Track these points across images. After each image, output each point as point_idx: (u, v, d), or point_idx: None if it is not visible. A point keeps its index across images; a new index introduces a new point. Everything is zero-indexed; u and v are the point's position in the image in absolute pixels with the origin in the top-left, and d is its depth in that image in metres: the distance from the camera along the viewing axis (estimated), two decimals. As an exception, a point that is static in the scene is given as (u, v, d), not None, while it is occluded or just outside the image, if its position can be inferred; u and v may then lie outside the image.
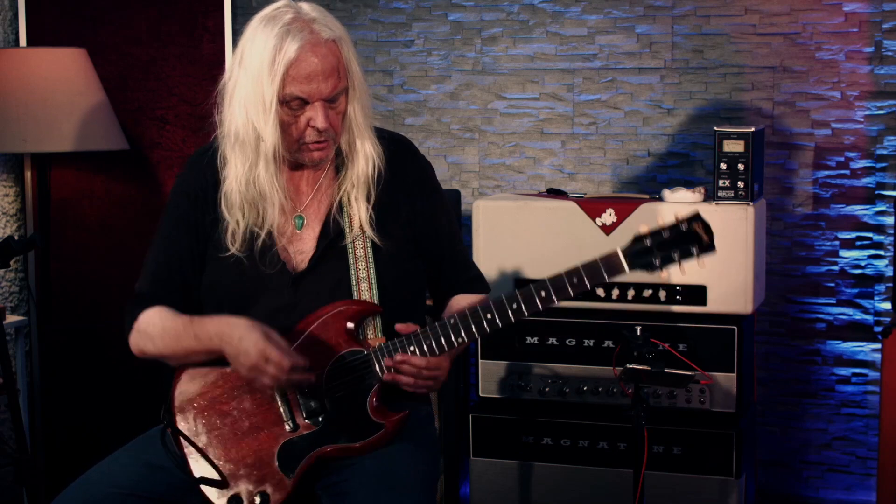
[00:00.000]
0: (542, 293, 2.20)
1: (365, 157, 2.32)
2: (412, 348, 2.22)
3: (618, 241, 3.21)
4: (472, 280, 2.47)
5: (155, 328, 2.31)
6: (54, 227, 4.08)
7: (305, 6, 2.26)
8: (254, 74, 2.21)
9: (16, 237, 3.72)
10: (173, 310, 2.33)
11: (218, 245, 2.33)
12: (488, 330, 2.22)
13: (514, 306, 2.21)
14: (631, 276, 2.23)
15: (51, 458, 4.08)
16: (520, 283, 3.30)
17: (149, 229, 4.00)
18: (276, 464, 2.23)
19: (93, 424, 4.15)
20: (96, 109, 3.77)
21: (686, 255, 2.20)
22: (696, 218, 2.21)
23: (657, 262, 2.20)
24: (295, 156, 2.28)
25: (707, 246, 2.21)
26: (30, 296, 4.11)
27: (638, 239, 2.21)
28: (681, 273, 2.22)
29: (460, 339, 2.22)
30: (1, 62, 3.71)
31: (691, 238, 2.21)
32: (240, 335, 2.17)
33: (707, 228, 2.21)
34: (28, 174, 4.11)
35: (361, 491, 2.17)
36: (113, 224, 4.13)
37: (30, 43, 4.08)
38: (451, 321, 2.22)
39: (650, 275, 2.22)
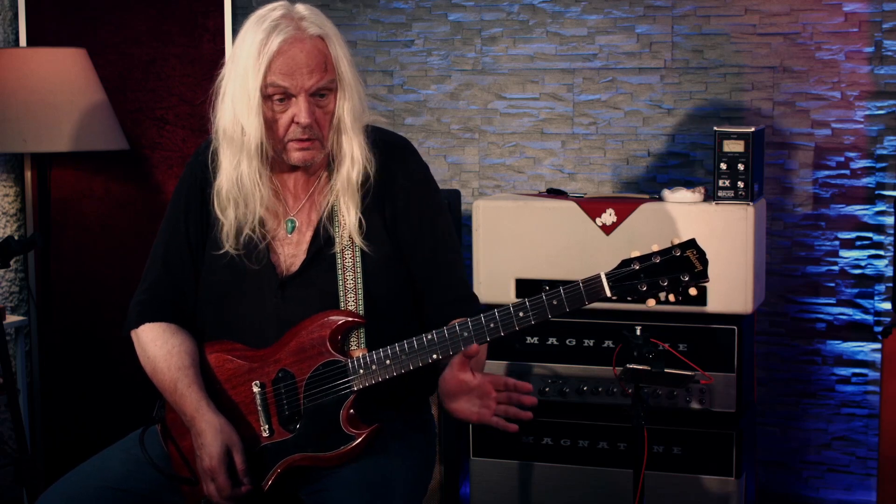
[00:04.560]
0: (521, 314, 2.18)
1: (351, 159, 2.29)
2: (388, 362, 2.22)
3: (617, 241, 3.23)
4: (462, 300, 2.39)
5: (148, 362, 2.34)
6: (54, 227, 4.08)
7: (299, 6, 2.26)
8: (241, 70, 2.22)
9: (16, 237, 3.72)
10: (174, 334, 2.33)
11: (213, 243, 2.34)
12: (463, 348, 2.20)
13: (492, 326, 2.19)
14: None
15: (51, 458, 4.08)
16: (520, 283, 3.30)
17: (149, 229, 4.03)
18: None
19: (93, 424, 4.15)
20: (96, 109, 3.78)
21: (676, 283, 2.16)
22: (691, 244, 2.17)
23: (643, 288, 2.16)
24: (281, 155, 2.28)
25: (699, 274, 2.15)
26: (30, 296, 4.11)
27: (626, 262, 2.18)
28: (671, 300, 2.18)
29: (434, 357, 2.21)
30: (1, 62, 3.71)
31: (683, 265, 2.17)
32: (204, 441, 2.21)
33: (702, 257, 2.16)
34: (28, 174, 4.11)
35: (338, 499, 2.17)
36: (113, 224, 4.13)
37: (30, 43, 4.08)
38: (429, 338, 2.21)
39: (634, 302, 2.18)
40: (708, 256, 2.19)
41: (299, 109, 2.22)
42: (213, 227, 2.34)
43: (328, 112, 2.26)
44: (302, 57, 2.20)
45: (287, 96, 2.22)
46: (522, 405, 2.19)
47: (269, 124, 2.24)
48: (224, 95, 2.27)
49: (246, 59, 2.21)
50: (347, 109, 2.28)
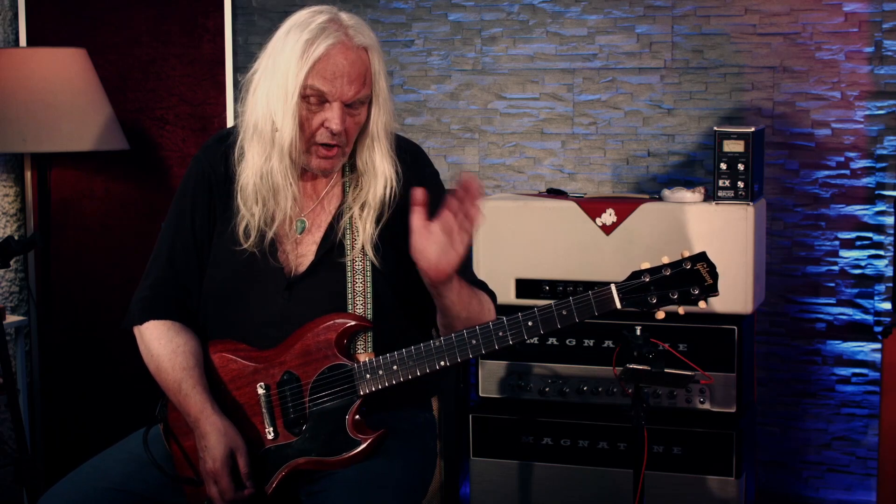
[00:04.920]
0: (529, 323, 2.18)
1: (384, 178, 2.29)
2: (395, 367, 2.22)
3: (617, 241, 3.23)
4: (475, 284, 2.38)
5: (151, 360, 2.33)
6: (54, 227, 4.08)
7: (344, 14, 2.26)
8: (282, 67, 2.21)
9: (16, 237, 3.73)
10: (178, 333, 2.32)
11: (229, 238, 2.32)
12: (471, 356, 2.20)
13: (500, 334, 2.19)
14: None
15: (51, 458, 4.08)
16: (520, 283, 3.30)
17: (149, 229, 4.04)
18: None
19: (93, 424, 4.15)
20: (96, 109, 3.78)
21: (685, 296, 2.17)
22: (702, 257, 2.18)
23: (653, 301, 2.17)
24: (303, 157, 2.27)
25: (709, 288, 2.16)
26: (30, 296, 4.11)
27: (636, 274, 2.18)
28: (679, 313, 2.19)
29: (443, 363, 2.21)
30: (1, 62, 3.71)
31: (694, 278, 2.17)
32: (208, 443, 2.21)
33: (712, 270, 2.17)
34: (28, 174, 4.11)
35: (335, 498, 2.17)
36: (113, 224, 4.13)
37: (30, 43, 4.08)
38: (436, 344, 2.21)
39: (643, 313, 2.18)
40: (710, 297, 2.18)
41: (333, 116, 2.21)
42: (230, 222, 2.33)
43: (358, 123, 2.27)
44: (346, 65, 2.20)
45: (322, 100, 2.22)
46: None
47: (300, 124, 2.23)
48: (256, 90, 2.26)
49: (289, 57, 2.20)
50: (381, 125, 2.28)
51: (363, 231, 2.29)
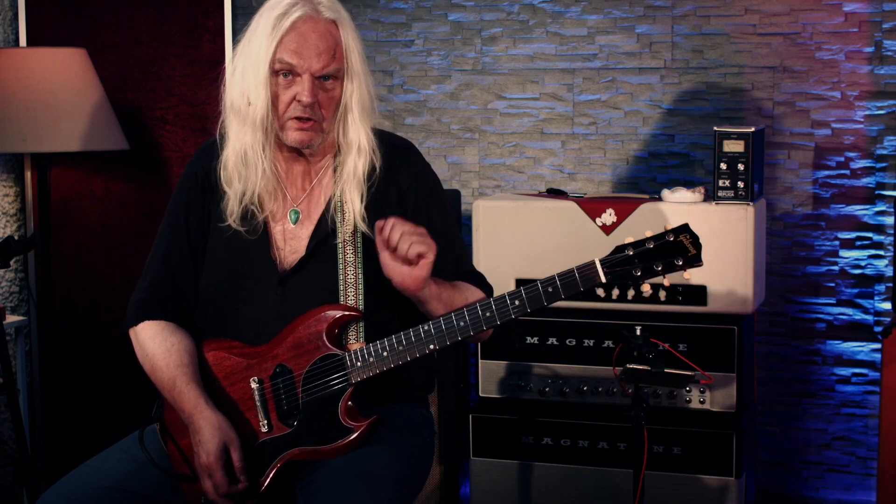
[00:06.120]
0: (516, 302, 2.19)
1: (358, 149, 2.31)
2: (385, 354, 2.23)
3: (618, 241, 3.21)
4: (473, 275, 2.41)
5: (146, 359, 2.34)
6: (54, 227, 4.08)
7: None
8: (254, 45, 2.26)
9: (16, 237, 3.73)
10: (173, 332, 2.33)
11: (217, 219, 2.36)
12: (459, 338, 2.21)
13: (488, 314, 2.20)
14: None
15: (51, 458, 4.08)
16: (520, 283, 3.30)
17: (149, 229, 4.03)
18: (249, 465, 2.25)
19: (93, 424, 4.15)
20: (96, 109, 3.77)
21: (670, 266, 2.18)
22: (684, 229, 2.19)
23: (637, 273, 2.18)
24: (280, 134, 2.29)
25: (693, 258, 2.17)
26: (30, 296, 4.11)
27: (619, 248, 2.19)
28: (665, 284, 2.19)
29: (431, 347, 2.22)
30: (1, 62, 3.71)
31: (677, 250, 2.18)
32: (202, 438, 2.22)
33: (695, 241, 2.18)
34: (28, 174, 4.11)
35: (328, 487, 2.18)
36: (113, 224, 4.13)
37: (30, 43, 4.08)
38: (425, 329, 2.22)
39: (631, 287, 2.18)
40: (708, 256, 2.21)
41: (302, 88, 2.24)
42: (220, 204, 2.35)
43: (332, 98, 2.29)
44: (313, 37, 2.24)
45: (293, 74, 2.25)
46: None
47: (274, 100, 2.26)
48: (235, 70, 2.31)
49: (260, 34, 2.25)
50: (356, 99, 2.30)
51: (352, 209, 2.31)
